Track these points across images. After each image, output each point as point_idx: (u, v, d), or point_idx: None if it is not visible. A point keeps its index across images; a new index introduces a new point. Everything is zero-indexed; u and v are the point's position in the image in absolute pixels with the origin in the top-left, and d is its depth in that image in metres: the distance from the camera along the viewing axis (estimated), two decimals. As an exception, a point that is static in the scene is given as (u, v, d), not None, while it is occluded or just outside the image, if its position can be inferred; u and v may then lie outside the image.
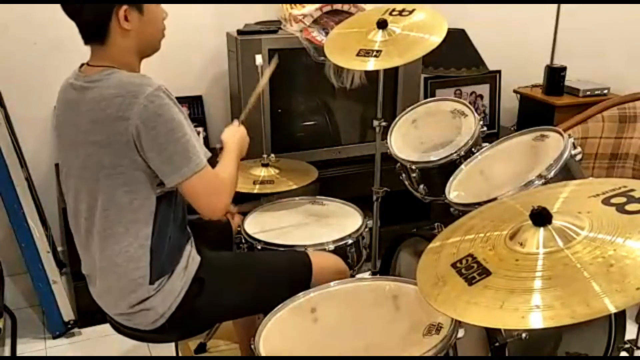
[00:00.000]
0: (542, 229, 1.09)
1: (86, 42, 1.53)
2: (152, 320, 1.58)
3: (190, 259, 1.62)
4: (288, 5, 2.68)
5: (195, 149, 1.46)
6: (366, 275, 2.25)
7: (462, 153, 1.96)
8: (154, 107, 1.40)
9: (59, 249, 2.85)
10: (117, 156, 1.44)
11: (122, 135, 1.42)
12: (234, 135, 1.74)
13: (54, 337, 2.47)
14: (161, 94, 1.42)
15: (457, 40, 3.11)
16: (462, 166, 1.95)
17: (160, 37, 1.59)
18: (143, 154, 1.43)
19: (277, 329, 1.41)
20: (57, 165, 2.80)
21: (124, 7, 1.48)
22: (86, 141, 1.47)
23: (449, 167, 1.95)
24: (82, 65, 1.56)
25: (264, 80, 2.04)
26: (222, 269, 1.68)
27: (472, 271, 1.10)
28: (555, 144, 1.74)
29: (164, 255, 1.55)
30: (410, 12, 2.10)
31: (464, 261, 1.14)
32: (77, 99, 1.49)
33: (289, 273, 1.61)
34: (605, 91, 3.21)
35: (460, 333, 1.28)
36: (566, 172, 1.64)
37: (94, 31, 1.50)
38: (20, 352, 2.39)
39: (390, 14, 2.12)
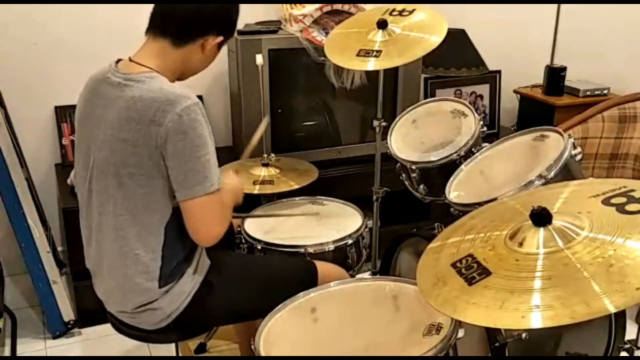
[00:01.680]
0: (542, 229, 1.09)
1: (159, 34, 1.52)
2: (158, 320, 1.58)
3: (201, 262, 1.61)
4: (288, 5, 2.68)
5: (212, 171, 1.46)
6: (366, 275, 2.25)
7: (462, 153, 1.96)
8: (187, 120, 1.41)
9: (59, 249, 2.85)
10: (142, 158, 1.44)
11: (151, 139, 1.42)
12: (228, 177, 1.71)
13: (54, 337, 2.47)
14: (197, 109, 1.44)
15: (457, 40, 3.11)
16: (462, 166, 1.95)
17: (200, 72, 1.64)
18: (165, 161, 1.44)
19: (277, 329, 1.41)
20: (57, 165, 2.80)
21: (220, 38, 1.56)
22: (114, 137, 1.47)
23: (449, 167, 1.95)
24: (119, 60, 1.56)
25: (255, 139, 2.08)
26: (231, 274, 1.68)
27: (472, 271, 1.10)
28: (555, 144, 1.74)
29: (176, 261, 1.55)
30: (410, 12, 2.10)
31: (464, 261, 1.14)
32: (112, 94, 1.49)
33: (296, 282, 1.61)
34: (605, 91, 3.21)
35: (460, 333, 1.28)
36: (566, 172, 1.64)
37: (183, 33, 1.52)
38: (20, 352, 2.39)
39: (390, 14, 2.12)
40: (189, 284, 1.57)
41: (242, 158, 1.99)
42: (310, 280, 1.69)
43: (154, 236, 1.51)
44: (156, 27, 1.54)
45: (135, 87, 1.46)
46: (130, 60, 1.54)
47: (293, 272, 1.74)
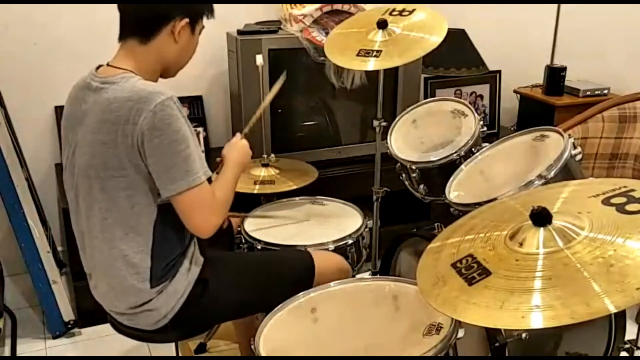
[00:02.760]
0: (542, 229, 1.09)
1: (126, 36, 1.53)
2: (155, 321, 1.58)
3: (194, 260, 1.61)
4: (288, 5, 2.68)
5: (195, 164, 1.45)
6: (366, 275, 2.25)
7: (462, 153, 1.96)
8: (162, 116, 1.41)
9: (59, 249, 2.85)
10: (122, 159, 1.44)
11: (127, 139, 1.42)
12: (234, 150, 1.70)
13: (54, 337, 2.47)
14: (172, 104, 1.43)
15: (457, 40, 3.11)
16: (462, 166, 1.95)
17: (185, 63, 1.62)
18: (145, 160, 1.44)
19: (277, 329, 1.41)
20: (57, 165, 2.80)
21: (186, 20, 1.53)
22: (94, 140, 1.47)
23: (449, 167, 1.95)
24: (99, 66, 1.56)
25: (271, 95, 2.01)
26: (225, 269, 1.68)
27: (472, 271, 1.10)
28: (555, 144, 1.74)
29: (166, 261, 1.54)
30: (410, 12, 2.10)
31: (464, 261, 1.14)
32: (91, 99, 1.49)
33: (292, 272, 1.61)
34: (605, 91, 3.21)
35: (460, 333, 1.28)
36: (566, 172, 1.64)
37: (145, 27, 1.51)
38: (20, 352, 2.39)
39: (390, 14, 2.12)
40: (182, 282, 1.57)
41: (248, 124, 1.92)
42: (306, 270, 1.68)
43: (141, 237, 1.51)
44: (123, 29, 1.54)
45: (110, 88, 1.46)
46: (108, 64, 1.54)
47: (289, 264, 1.74)
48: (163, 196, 1.46)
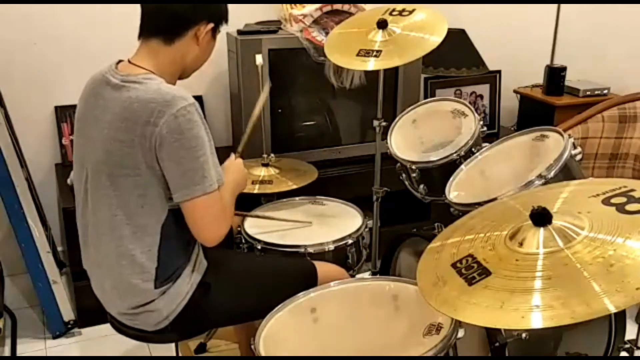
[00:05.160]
0: (542, 229, 1.10)
1: (149, 35, 1.53)
2: (156, 322, 1.58)
3: (198, 263, 1.61)
4: (288, 5, 2.68)
5: (210, 171, 1.46)
6: (366, 275, 2.25)
7: (462, 153, 1.96)
8: (183, 121, 1.41)
9: (59, 249, 2.85)
10: (137, 159, 1.44)
11: (146, 140, 1.42)
12: (231, 172, 1.66)
13: (54, 337, 2.47)
14: (194, 110, 1.43)
15: (457, 40, 3.11)
16: (462, 166, 1.95)
17: (201, 66, 1.63)
18: (161, 162, 1.44)
19: (277, 329, 1.41)
20: (57, 165, 2.80)
21: (211, 25, 1.55)
22: (110, 138, 1.47)
23: (449, 167, 1.95)
24: (119, 61, 1.56)
25: (259, 107, 1.97)
26: (228, 275, 1.68)
27: (472, 271, 1.10)
28: (555, 144, 1.74)
29: (171, 263, 1.55)
30: (410, 12, 2.10)
31: (464, 261, 1.14)
32: (110, 95, 1.49)
33: (295, 282, 1.60)
34: (605, 91, 3.21)
35: (460, 333, 1.28)
36: (566, 172, 1.64)
37: (171, 29, 1.52)
38: (20, 352, 2.39)
39: (390, 14, 2.12)
40: (185, 285, 1.57)
41: (242, 142, 1.89)
42: (309, 282, 1.69)
43: (149, 237, 1.51)
44: (146, 28, 1.54)
45: (133, 88, 1.46)
46: (129, 62, 1.54)
47: (292, 274, 1.74)
48: (176, 200, 1.46)
